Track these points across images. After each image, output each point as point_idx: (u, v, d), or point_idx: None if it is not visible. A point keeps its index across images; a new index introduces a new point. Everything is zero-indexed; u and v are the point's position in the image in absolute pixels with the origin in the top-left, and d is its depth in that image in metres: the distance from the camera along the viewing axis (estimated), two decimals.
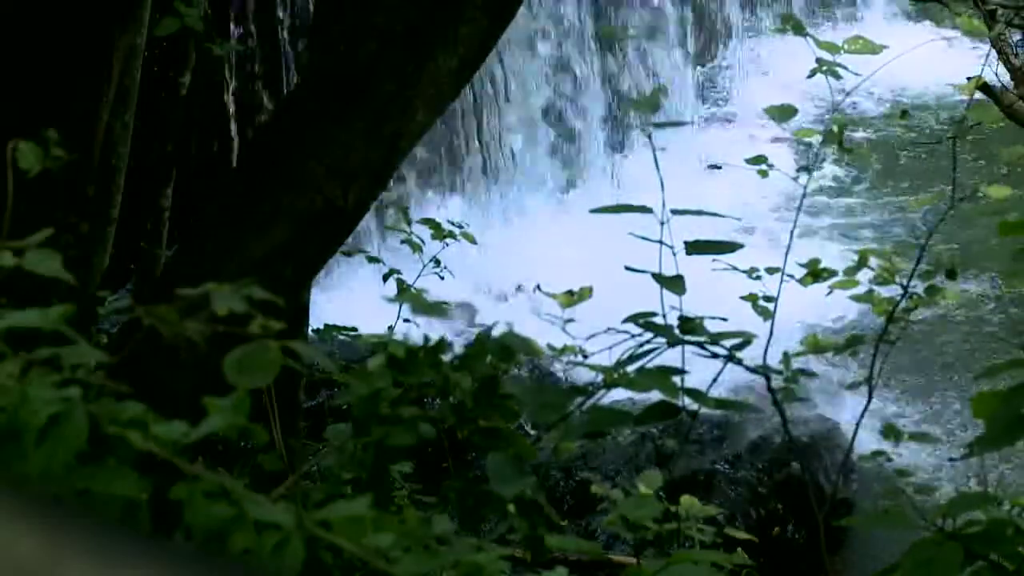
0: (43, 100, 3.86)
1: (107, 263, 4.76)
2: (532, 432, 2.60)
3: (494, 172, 11.45)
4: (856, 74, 3.98)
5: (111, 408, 2.09)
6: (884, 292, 3.89)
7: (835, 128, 3.91)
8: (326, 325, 6.61)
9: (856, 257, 3.91)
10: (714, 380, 2.85)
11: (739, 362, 2.85)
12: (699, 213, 3.15)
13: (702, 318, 2.83)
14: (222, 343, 2.12)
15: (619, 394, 2.81)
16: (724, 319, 2.91)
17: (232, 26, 9.04)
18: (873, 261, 3.88)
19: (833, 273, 4.00)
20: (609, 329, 2.92)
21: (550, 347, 3.58)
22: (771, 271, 3.97)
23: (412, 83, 3.62)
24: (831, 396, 8.91)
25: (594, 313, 3.37)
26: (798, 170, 3.95)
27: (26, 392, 2.07)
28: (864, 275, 3.90)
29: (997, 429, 2.62)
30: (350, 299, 9.45)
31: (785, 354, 3.17)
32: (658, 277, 2.91)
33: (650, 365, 2.70)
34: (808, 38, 3.94)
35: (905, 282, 3.74)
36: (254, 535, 2.03)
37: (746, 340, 2.86)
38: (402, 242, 6.49)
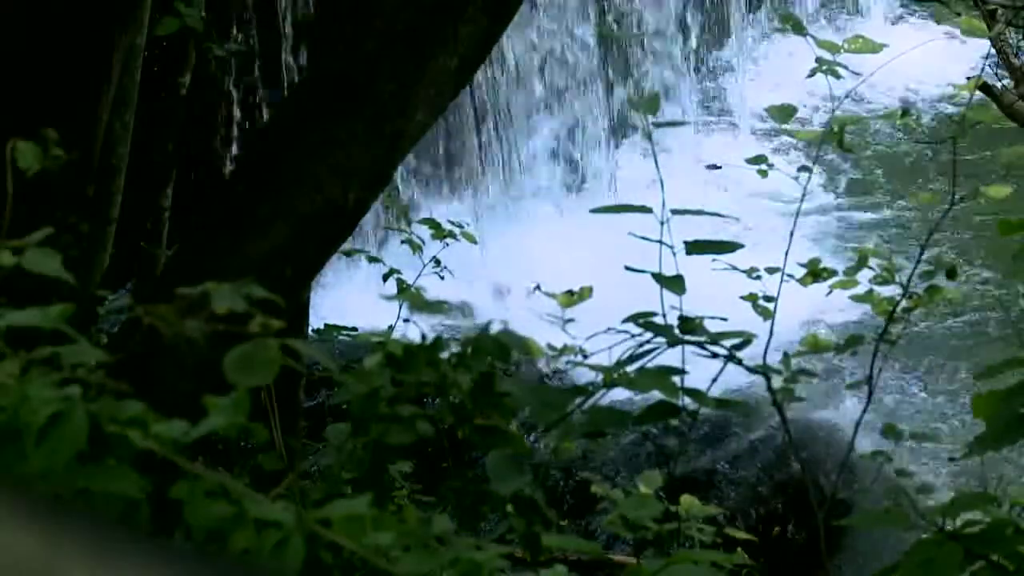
0: (43, 100, 3.86)
1: (107, 263, 4.77)
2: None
3: (494, 172, 11.45)
4: (856, 73, 3.98)
5: (111, 407, 2.09)
6: (884, 292, 3.89)
7: (835, 127, 3.91)
8: (326, 325, 6.62)
9: (855, 257, 3.91)
10: (714, 380, 2.85)
11: (739, 362, 2.85)
12: (699, 213, 3.15)
13: (702, 318, 2.83)
14: (222, 342, 2.12)
15: (619, 394, 2.81)
16: (724, 319, 2.90)
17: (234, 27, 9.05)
18: (873, 261, 3.88)
19: (833, 273, 4.00)
20: (609, 329, 2.91)
21: (550, 347, 3.58)
22: (771, 271, 3.97)
23: (412, 83, 3.62)
24: (831, 396, 8.91)
25: (594, 313, 3.37)
26: (799, 170, 3.95)
27: (26, 392, 2.07)
28: (864, 275, 3.91)
29: (997, 429, 2.62)
30: (350, 299, 9.44)
31: (785, 354, 3.17)
32: (658, 277, 2.91)
33: (650, 365, 2.70)
34: (808, 37, 3.93)
35: (905, 282, 3.73)
36: (254, 534, 2.04)
37: (746, 340, 2.86)
38: (402, 242, 6.49)
